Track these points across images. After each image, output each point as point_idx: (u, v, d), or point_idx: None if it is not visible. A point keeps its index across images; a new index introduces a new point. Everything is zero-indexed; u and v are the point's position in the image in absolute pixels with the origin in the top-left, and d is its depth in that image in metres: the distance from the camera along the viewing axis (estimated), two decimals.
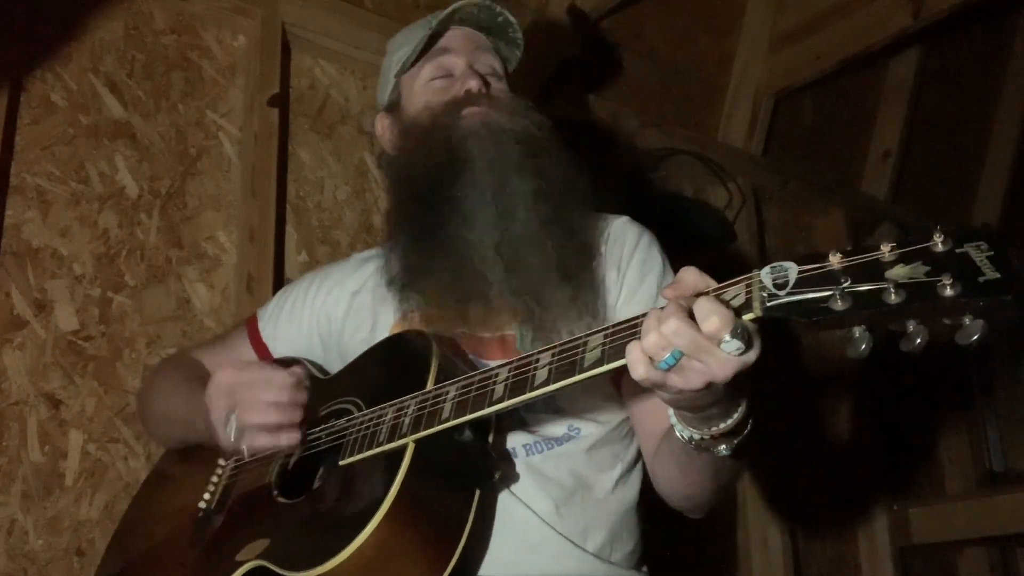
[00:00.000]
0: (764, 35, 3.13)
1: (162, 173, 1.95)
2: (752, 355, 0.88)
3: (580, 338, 1.02)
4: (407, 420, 1.14)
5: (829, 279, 0.82)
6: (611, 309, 1.33)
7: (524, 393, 1.03)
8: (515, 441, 1.26)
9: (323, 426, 1.29)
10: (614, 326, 0.99)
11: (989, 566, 3.46)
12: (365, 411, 1.24)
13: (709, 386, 0.89)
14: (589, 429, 1.30)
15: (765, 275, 0.86)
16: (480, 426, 1.14)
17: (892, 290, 0.78)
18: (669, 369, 0.88)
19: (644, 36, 2.94)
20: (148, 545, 1.39)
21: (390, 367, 1.29)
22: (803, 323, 0.83)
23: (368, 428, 1.20)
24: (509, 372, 1.07)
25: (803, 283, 0.83)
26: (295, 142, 2.16)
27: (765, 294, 0.85)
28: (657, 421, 1.21)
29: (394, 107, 1.52)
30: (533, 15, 2.49)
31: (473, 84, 1.42)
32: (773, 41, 3.13)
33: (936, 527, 3.12)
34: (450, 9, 1.46)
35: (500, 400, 1.06)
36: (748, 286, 0.88)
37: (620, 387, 1.33)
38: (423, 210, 1.38)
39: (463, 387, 1.12)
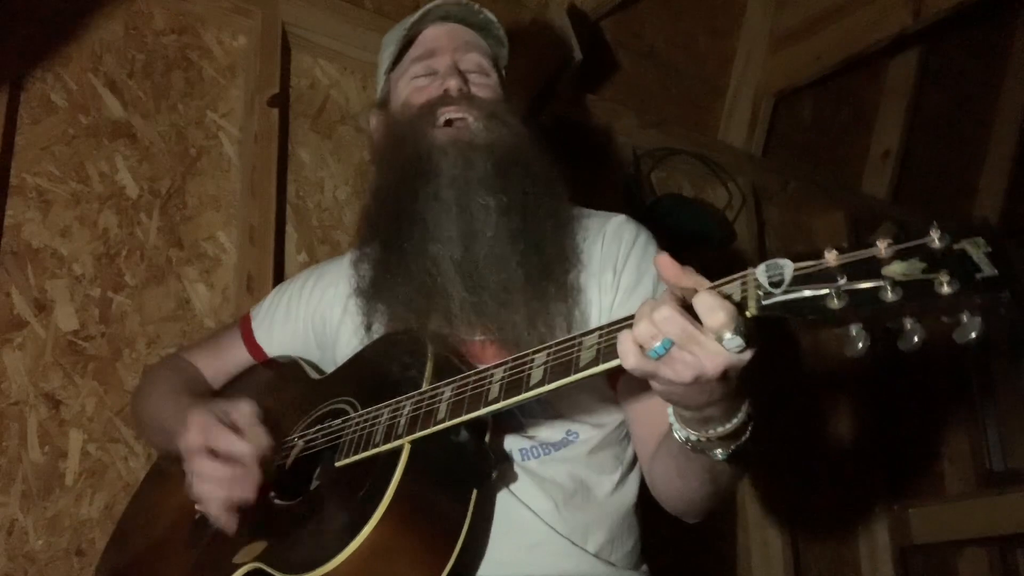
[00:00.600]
0: (764, 35, 3.13)
1: (162, 173, 1.95)
2: (748, 353, 0.87)
3: (575, 337, 1.01)
4: (403, 421, 1.14)
5: (825, 277, 0.80)
6: (593, 318, 1.31)
7: (520, 393, 1.03)
8: (512, 445, 1.25)
9: (319, 427, 1.28)
10: (609, 325, 0.98)
11: (989, 566, 3.46)
12: (361, 411, 1.23)
13: (698, 379, 0.88)
14: (588, 433, 1.30)
15: (761, 273, 0.85)
16: (477, 425, 1.13)
17: (889, 288, 0.76)
18: (659, 359, 0.87)
19: (644, 36, 2.94)
20: (145, 547, 1.39)
21: (385, 367, 1.29)
22: (799, 321, 0.82)
23: (364, 429, 1.19)
24: (504, 372, 1.07)
25: (799, 281, 0.82)
26: (295, 142, 2.16)
27: (761, 292, 0.84)
28: (654, 424, 1.21)
29: (384, 104, 1.52)
30: (533, 15, 2.49)
31: (452, 84, 1.40)
32: (773, 41, 3.13)
33: (936, 527, 3.12)
34: (423, 10, 1.45)
35: (496, 400, 1.05)
36: (744, 284, 0.87)
37: (616, 389, 1.32)
38: (392, 220, 1.37)
39: (458, 387, 1.12)
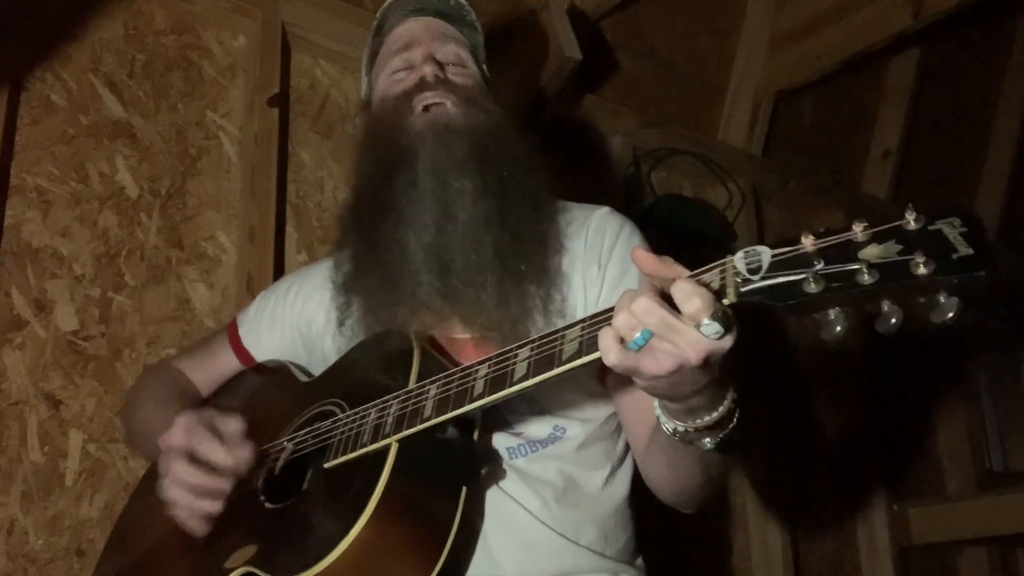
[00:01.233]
0: (764, 35, 3.13)
1: (162, 173, 1.95)
2: (728, 340, 0.87)
3: (558, 331, 1.01)
4: (390, 420, 1.14)
5: (802, 262, 0.81)
6: (578, 308, 1.30)
7: (504, 388, 1.02)
8: (499, 444, 1.25)
9: (308, 429, 1.28)
10: (591, 317, 0.98)
11: (989, 566, 3.46)
12: (349, 412, 1.23)
13: (680, 369, 0.88)
14: (575, 430, 1.29)
15: (739, 260, 0.85)
16: (465, 422, 1.13)
17: (865, 271, 0.76)
18: (639, 350, 0.87)
19: (644, 36, 2.94)
20: (139, 553, 1.38)
21: (372, 367, 1.28)
22: (778, 307, 0.82)
23: (352, 429, 1.19)
24: (489, 368, 1.07)
25: (776, 267, 0.82)
26: (295, 142, 2.16)
27: (739, 279, 0.84)
28: (645, 416, 1.20)
29: (368, 101, 1.52)
30: (533, 15, 2.49)
31: (428, 70, 1.39)
32: (773, 41, 3.13)
33: (936, 527, 3.12)
34: (388, 4, 1.45)
35: (481, 396, 1.05)
36: (722, 271, 0.87)
37: (606, 383, 1.31)
38: (368, 213, 1.37)
39: (443, 384, 1.12)
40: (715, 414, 0.98)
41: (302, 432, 1.28)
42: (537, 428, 1.28)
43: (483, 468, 1.16)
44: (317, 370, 1.46)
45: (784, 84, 3.12)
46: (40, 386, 1.71)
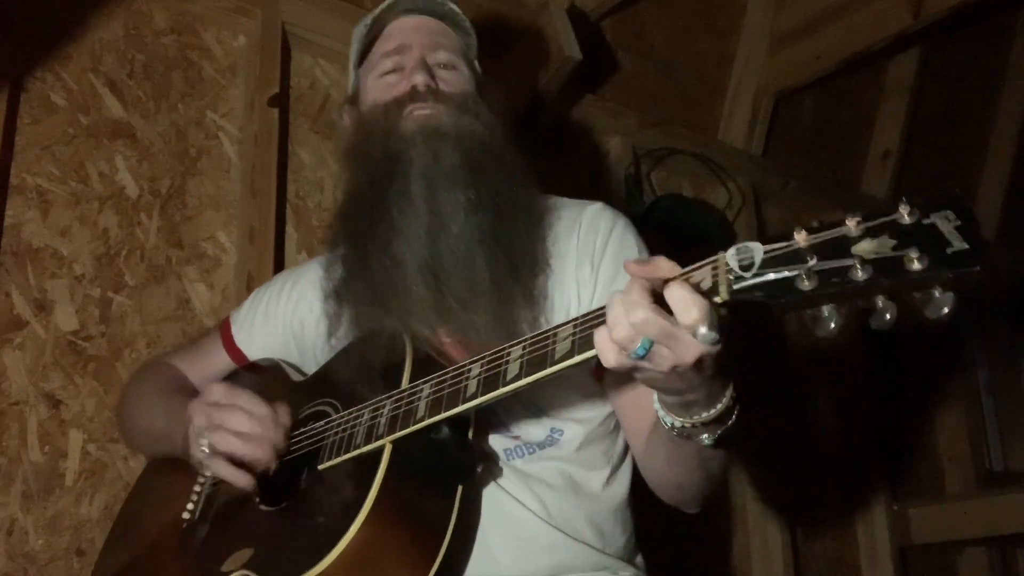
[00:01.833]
0: (764, 35, 3.13)
1: (162, 173, 1.95)
2: (719, 343, 0.87)
3: (550, 330, 1.01)
4: (383, 421, 1.14)
5: (795, 258, 0.79)
6: (572, 309, 1.30)
7: (497, 388, 1.02)
8: (496, 446, 1.24)
9: (302, 429, 1.27)
10: (583, 316, 0.97)
11: (989, 566, 3.46)
12: (343, 413, 1.23)
13: (675, 368, 0.89)
14: (572, 431, 1.29)
15: (731, 257, 0.84)
16: (458, 422, 1.13)
17: (859, 266, 0.75)
18: (641, 358, 0.87)
19: (644, 36, 2.94)
20: (135, 558, 1.38)
21: (365, 367, 1.28)
22: (771, 305, 0.81)
23: (346, 430, 1.19)
24: (481, 368, 1.06)
25: (769, 264, 0.81)
26: (295, 142, 2.16)
27: (732, 276, 0.83)
28: (645, 414, 1.19)
29: (355, 100, 1.49)
30: (533, 15, 2.49)
31: (419, 80, 1.37)
32: (773, 41, 3.12)
33: (936, 527, 3.12)
34: (389, 1, 1.43)
35: (474, 396, 1.05)
36: (714, 269, 0.86)
37: (602, 382, 1.30)
38: (359, 219, 1.36)
39: (436, 385, 1.11)
40: (713, 411, 0.98)
41: (296, 433, 1.28)
42: (534, 431, 1.27)
43: (479, 467, 1.15)
44: (310, 369, 1.45)
45: (784, 84, 3.12)
46: (40, 386, 1.71)
